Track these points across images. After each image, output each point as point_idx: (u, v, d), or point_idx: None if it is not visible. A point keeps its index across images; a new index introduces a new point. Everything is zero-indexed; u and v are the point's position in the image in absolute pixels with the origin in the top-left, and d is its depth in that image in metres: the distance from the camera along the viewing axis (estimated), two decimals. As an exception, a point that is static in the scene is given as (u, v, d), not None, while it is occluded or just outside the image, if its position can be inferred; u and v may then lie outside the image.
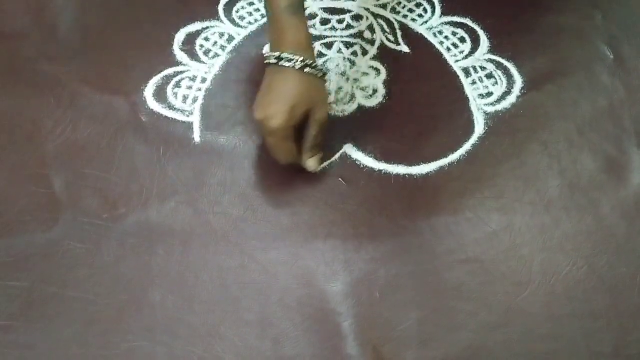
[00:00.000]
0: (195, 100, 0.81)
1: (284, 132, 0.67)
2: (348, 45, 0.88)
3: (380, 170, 0.74)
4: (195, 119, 0.79)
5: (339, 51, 0.87)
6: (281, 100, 0.66)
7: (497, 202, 0.71)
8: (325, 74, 0.70)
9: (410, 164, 0.75)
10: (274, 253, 0.67)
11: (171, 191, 0.72)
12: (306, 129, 0.69)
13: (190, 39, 0.88)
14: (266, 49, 0.87)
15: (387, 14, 0.92)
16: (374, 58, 0.86)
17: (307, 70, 0.67)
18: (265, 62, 0.69)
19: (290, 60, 0.67)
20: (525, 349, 0.61)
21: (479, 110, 0.80)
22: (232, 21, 0.91)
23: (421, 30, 0.90)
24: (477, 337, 0.61)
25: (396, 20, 0.91)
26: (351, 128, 0.78)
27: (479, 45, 0.87)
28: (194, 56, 0.86)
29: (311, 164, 0.71)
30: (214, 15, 0.91)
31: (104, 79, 0.83)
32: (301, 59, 0.67)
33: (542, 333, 0.62)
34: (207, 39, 0.88)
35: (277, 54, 0.67)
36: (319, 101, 0.69)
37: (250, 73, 0.84)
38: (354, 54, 0.87)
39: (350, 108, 0.80)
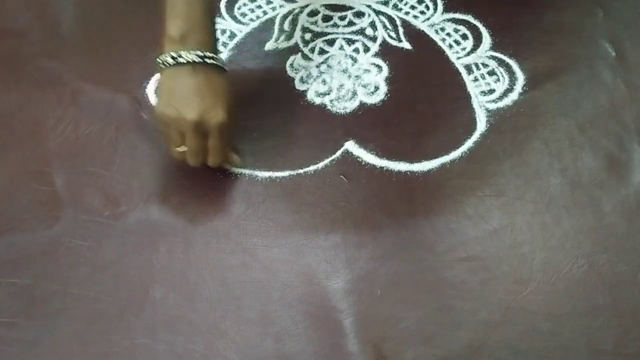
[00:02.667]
0: (196, 97, 0.81)
1: (228, 127, 0.67)
2: (350, 42, 0.88)
3: (381, 167, 0.74)
4: (197, 116, 0.79)
5: (341, 48, 0.87)
6: (214, 95, 0.66)
7: (497, 200, 0.71)
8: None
9: (411, 161, 0.75)
10: (275, 251, 0.67)
11: (172, 188, 0.72)
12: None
13: (192, 36, 0.88)
14: (269, 45, 0.87)
15: (389, 10, 0.92)
16: (376, 55, 0.86)
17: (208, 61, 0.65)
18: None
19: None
20: (525, 347, 0.61)
21: (481, 107, 0.80)
22: (234, 18, 0.91)
23: (423, 27, 0.90)
24: (478, 335, 0.61)
25: (398, 17, 0.91)
26: (353, 125, 0.78)
27: (480, 42, 0.87)
28: (195, 53, 0.86)
29: (236, 158, 0.73)
30: (216, 12, 0.91)
31: (105, 76, 0.83)
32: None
33: (543, 331, 0.62)
34: (208, 36, 0.88)
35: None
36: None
37: (252, 70, 0.84)
38: (356, 50, 0.87)
39: (352, 105, 0.80)
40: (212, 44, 0.67)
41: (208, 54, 0.65)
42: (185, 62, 0.64)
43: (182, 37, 0.65)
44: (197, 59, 0.64)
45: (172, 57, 0.64)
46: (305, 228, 0.69)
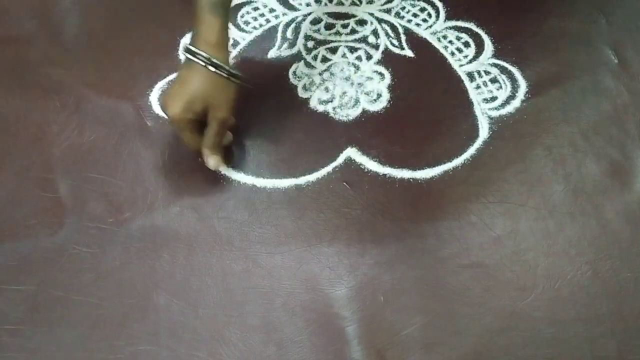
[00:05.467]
0: (200, 104, 0.81)
1: (179, 122, 0.68)
2: (352, 49, 0.88)
3: (384, 175, 0.74)
4: (200, 124, 0.79)
5: (343, 56, 0.87)
6: (180, 93, 0.68)
7: (501, 207, 0.71)
8: (235, 76, 0.70)
9: (414, 168, 0.75)
10: (278, 257, 0.68)
11: (176, 195, 0.72)
12: (207, 126, 0.70)
13: (195, 44, 0.88)
14: (272, 53, 0.88)
15: (391, 18, 0.92)
16: (378, 62, 0.86)
17: (210, 68, 0.68)
18: (181, 52, 0.70)
19: (195, 55, 0.68)
20: (529, 354, 0.61)
21: (483, 114, 0.80)
22: (237, 26, 0.91)
23: (425, 34, 0.90)
24: (481, 342, 0.61)
25: (400, 24, 0.91)
26: (355, 132, 0.78)
27: (483, 49, 0.88)
28: (198, 61, 0.86)
29: (211, 162, 0.72)
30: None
31: (109, 84, 0.83)
32: (206, 56, 0.67)
33: (546, 337, 0.61)
34: (211, 44, 0.88)
35: (189, 47, 0.68)
36: (219, 101, 0.69)
37: (255, 77, 0.84)
38: (358, 58, 0.87)
39: (355, 112, 0.81)
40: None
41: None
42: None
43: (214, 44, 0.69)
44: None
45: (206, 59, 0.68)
46: (308, 235, 0.69)
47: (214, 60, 0.68)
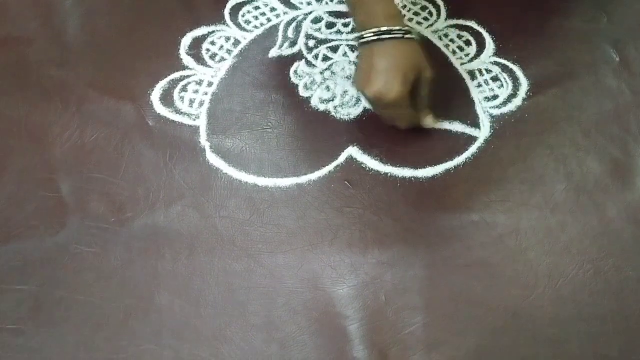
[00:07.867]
0: (201, 104, 0.81)
1: (403, 100, 0.70)
2: (354, 48, 0.88)
3: (386, 174, 0.74)
4: (202, 123, 0.79)
5: (345, 55, 0.87)
6: (392, 72, 0.69)
7: (503, 206, 0.71)
8: (415, 34, 0.72)
9: (416, 167, 0.75)
10: (280, 257, 0.68)
11: (178, 195, 0.72)
12: (416, 91, 0.72)
13: (197, 43, 0.88)
14: (273, 52, 0.87)
15: (392, 17, 0.92)
16: (380, 61, 0.86)
17: (407, 36, 0.70)
18: (361, 41, 0.71)
19: (390, 32, 0.69)
20: (531, 353, 0.61)
21: (485, 113, 0.80)
22: (238, 25, 0.91)
23: (427, 33, 0.90)
24: (484, 341, 0.61)
25: (402, 23, 0.91)
26: (357, 131, 0.78)
27: (484, 48, 0.87)
28: (200, 60, 0.86)
29: (429, 121, 0.76)
30: (220, 20, 0.92)
31: (111, 84, 0.83)
32: (399, 28, 0.69)
33: (549, 337, 0.61)
34: (213, 43, 0.88)
35: (374, 30, 0.70)
36: (423, 63, 0.72)
37: (256, 77, 0.84)
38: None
39: (356, 111, 0.80)
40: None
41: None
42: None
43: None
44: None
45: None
46: (310, 234, 0.69)
47: (406, 29, 0.70)
